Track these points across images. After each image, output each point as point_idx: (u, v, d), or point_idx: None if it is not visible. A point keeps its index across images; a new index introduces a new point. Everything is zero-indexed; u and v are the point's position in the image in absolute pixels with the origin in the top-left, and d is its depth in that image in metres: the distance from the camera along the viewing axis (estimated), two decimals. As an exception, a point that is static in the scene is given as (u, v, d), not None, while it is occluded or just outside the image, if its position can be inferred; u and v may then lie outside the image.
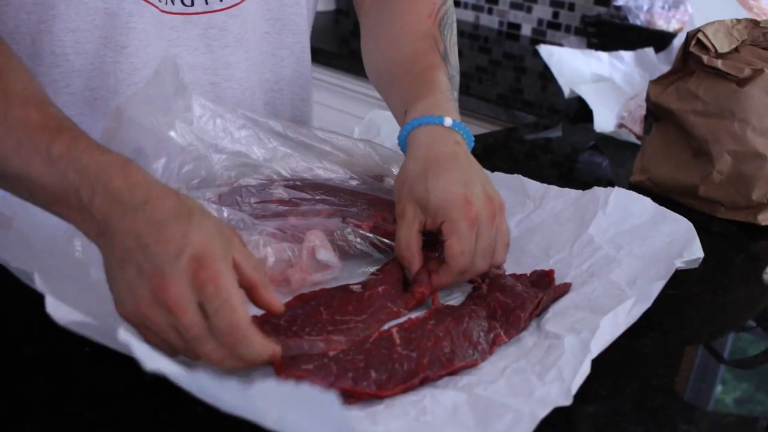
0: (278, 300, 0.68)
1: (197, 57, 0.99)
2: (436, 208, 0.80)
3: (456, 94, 0.95)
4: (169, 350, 0.65)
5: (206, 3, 0.97)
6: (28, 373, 0.70)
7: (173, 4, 0.95)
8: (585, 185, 1.00)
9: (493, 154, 1.44)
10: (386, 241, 0.89)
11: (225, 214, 0.84)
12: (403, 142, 0.88)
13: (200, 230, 0.63)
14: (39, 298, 0.61)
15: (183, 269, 0.62)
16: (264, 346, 0.64)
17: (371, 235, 0.89)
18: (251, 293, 0.67)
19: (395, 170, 0.97)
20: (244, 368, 0.66)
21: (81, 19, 0.91)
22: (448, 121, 0.86)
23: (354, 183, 0.94)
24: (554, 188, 1.01)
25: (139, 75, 0.95)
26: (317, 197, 0.90)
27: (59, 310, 0.59)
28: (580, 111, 1.66)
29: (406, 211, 0.83)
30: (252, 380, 0.67)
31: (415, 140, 0.86)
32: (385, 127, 1.16)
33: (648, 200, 0.95)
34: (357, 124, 1.18)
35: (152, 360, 0.55)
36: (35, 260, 0.73)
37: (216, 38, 1.00)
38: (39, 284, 0.63)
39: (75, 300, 0.65)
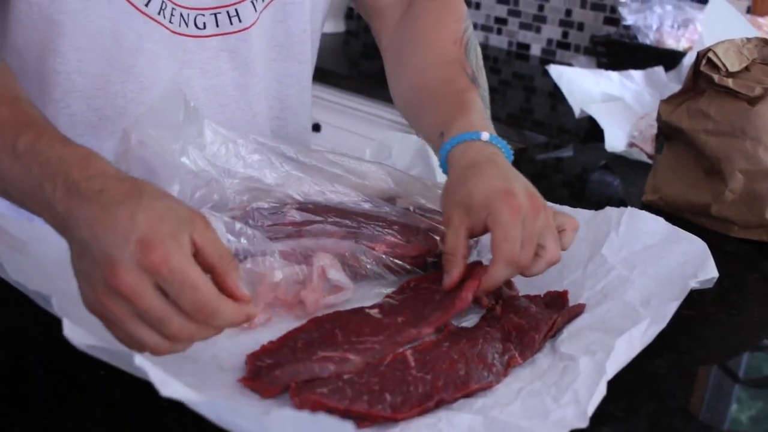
0: (243, 287, 0.66)
1: (209, 79, 1.00)
2: (479, 205, 0.80)
3: (488, 112, 0.97)
4: (136, 345, 0.63)
5: (217, 26, 0.98)
6: (30, 373, 0.70)
7: (186, 26, 0.96)
8: (597, 205, 1.00)
9: (504, 174, 1.43)
10: (399, 262, 0.90)
11: (237, 227, 0.84)
12: (444, 162, 0.89)
13: (147, 211, 0.61)
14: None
15: (131, 253, 0.60)
16: (236, 312, 0.63)
17: (384, 256, 0.89)
18: (214, 279, 0.65)
19: (408, 192, 0.97)
20: (216, 335, 0.64)
21: (87, 39, 0.91)
22: (485, 136, 0.88)
23: (366, 206, 0.94)
24: (566, 209, 1.01)
25: (147, 94, 0.96)
26: (330, 220, 0.90)
27: (76, 334, 0.60)
28: (591, 130, 1.66)
29: (452, 217, 0.83)
30: (269, 408, 0.67)
31: (455, 155, 0.87)
32: (397, 149, 1.16)
33: (661, 220, 0.95)
34: (367, 146, 1.18)
35: (168, 386, 0.55)
36: (50, 284, 0.74)
37: (226, 61, 1.01)
38: (56, 308, 0.63)
39: (88, 324, 0.65)
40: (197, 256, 0.63)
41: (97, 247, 0.61)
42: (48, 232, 0.71)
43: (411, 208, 0.95)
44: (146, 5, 0.92)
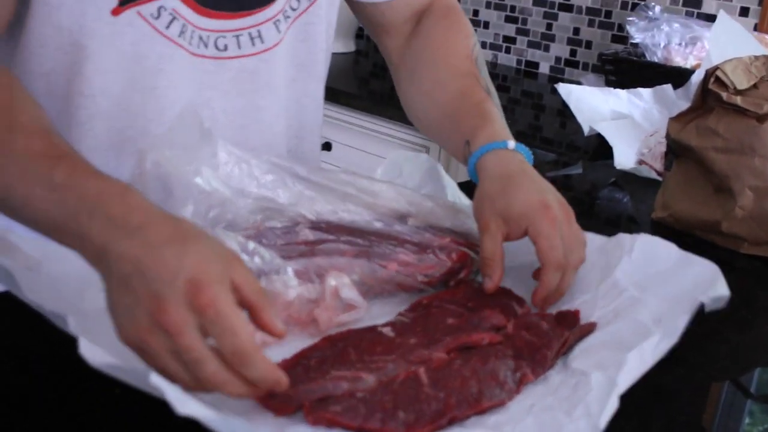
0: (278, 322, 0.67)
1: (230, 100, 1.01)
2: (519, 216, 0.87)
3: (504, 121, 1.02)
4: (170, 380, 0.64)
5: (239, 48, 0.99)
6: (30, 373, 0.71)
7: (206, 48, 0.97)
8: (606, 222, 1.01)
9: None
10: (411, 280, 0.90)
11: (250, 247, 0.85)
12: (472, 169, 0.95)
13: (195, 254, 0.64)
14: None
15: (180, 292, 0.61)
16: (269, 370, 0.64)
17: (396, 274, 0.90)
18: (252, 315, 0.67)
19: (423, 210, 0.98)
20: (246, 395, 0.65)
21: (111, 62, 0.92)
22: (511, 144, 0.95)
23: (378, 225, 0.95)
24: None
25: (168, 115, 0.97)
26: (342, 239, 0.91)
27: (92, 353, 0.60)
28: (600, 148, 1.67)
29: (489, 224, 0.89)
30: (283, 426, 0.68)
31: (486, 163, 0.94)
32: (407, 168, 1.17)
33: (674, 246, 0.94)
34: (378, 164, 1.19)
35: (184, 404, 0.56)
36: (66, 303, 0.74)
37: (247, 82, 1.02)
38: (72, 327, 0.64)
39: (105, 343, 0.66)
40: (236, 294, 0.65)
41: (142, 283, 0.62)
42: (62, 251, 0.72)
43: (422, 227, 0.95)
44: (167, 28, 0.93)
